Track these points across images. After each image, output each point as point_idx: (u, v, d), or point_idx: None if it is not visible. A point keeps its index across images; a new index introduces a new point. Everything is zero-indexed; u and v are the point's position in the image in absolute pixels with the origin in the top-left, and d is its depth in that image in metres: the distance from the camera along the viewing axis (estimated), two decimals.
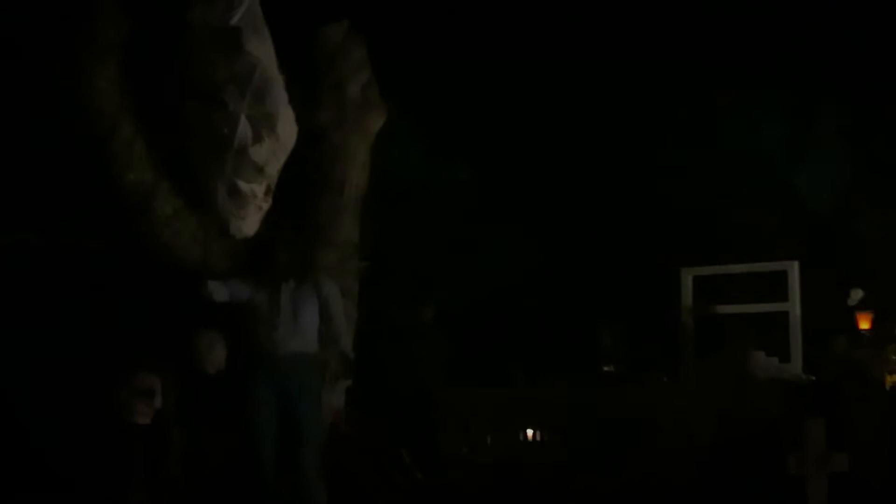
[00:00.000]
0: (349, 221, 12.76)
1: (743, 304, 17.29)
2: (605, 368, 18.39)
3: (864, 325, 16.17)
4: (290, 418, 11.29)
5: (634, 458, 15.18)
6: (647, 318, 18.49)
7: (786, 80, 20.14)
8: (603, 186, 19.72)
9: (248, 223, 10.97)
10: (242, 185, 10.68)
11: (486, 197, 18.42)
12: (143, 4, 11.50)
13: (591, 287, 18.89)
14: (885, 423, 13.96)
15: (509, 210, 18.70)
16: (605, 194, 19.74)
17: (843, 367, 14.96)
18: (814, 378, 16.36)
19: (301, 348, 11.45)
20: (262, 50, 10.36)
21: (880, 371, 14.85)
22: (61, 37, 11.42)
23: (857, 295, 16.50)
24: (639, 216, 19.59)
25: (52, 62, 11.54)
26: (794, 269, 16.95)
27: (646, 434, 15.46)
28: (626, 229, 19.55)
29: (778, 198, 19.94)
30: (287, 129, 10.67)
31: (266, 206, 11.20)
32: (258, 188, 10.85)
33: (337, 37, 12.79)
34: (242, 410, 11.40)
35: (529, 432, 16.23)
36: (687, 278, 17.44)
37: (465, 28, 18.28)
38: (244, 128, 10.43)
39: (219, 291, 11.60)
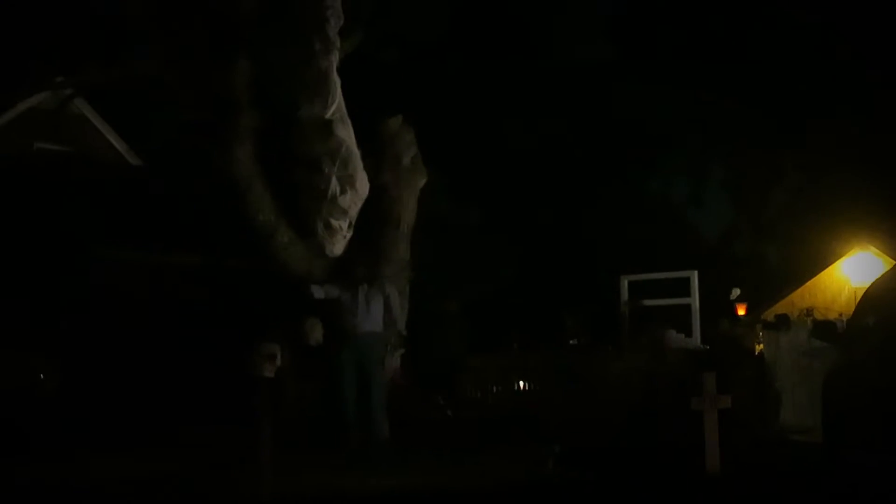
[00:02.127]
0: (403, 246, 12.86)
1: (661, 298, 17.20)
2: (571, 342, 18.33)
3: (741, 311, 16.19)
4: (364, 375, 11.43)
5: (590, 401, 15.23)
6: (599, 309, 18.50)
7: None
8: (568, 219, 19.79)
9: (337, 247, 11.09)
10: (333, 222, 10.79)
11: (488, 228, 18.48)
12: (268, 103, 11.64)
13: (561, 288, 18.93)
14: (754, 375, 14.01)
15: (504, 237, 18.77)
16: (569, 225, 19.80)
17: (727, 340, 14.99)
18: (708, 347, 16.34)
19: (371, 329, 11.58)
20: (346, 133, 10.46)
21: (751, 342, 14.83)
22: (216, 123, 11.54)
23: (735, 292, 16.47)
24: (592, 240, 19.65)
25: (210, 140, 11.66)
26: (694, 276, 16.84)
27: (597, 385, 15.50)
28: (584, 249, 19.62)
29: (685, 227, 20.01)
30: (362, 185, 10.80)
31: (349, 235, 11.30)
32: (343, 224, 10.96)
33: (395, 126, 12.90)
34: (333, 370, 11.57)
35: (521, 384, 16.27)
36: (624, 282, 17.34)
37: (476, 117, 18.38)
38: (334, 185, 10.54)
39: (318, 292, 11.74)
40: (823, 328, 11.89)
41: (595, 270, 18.52)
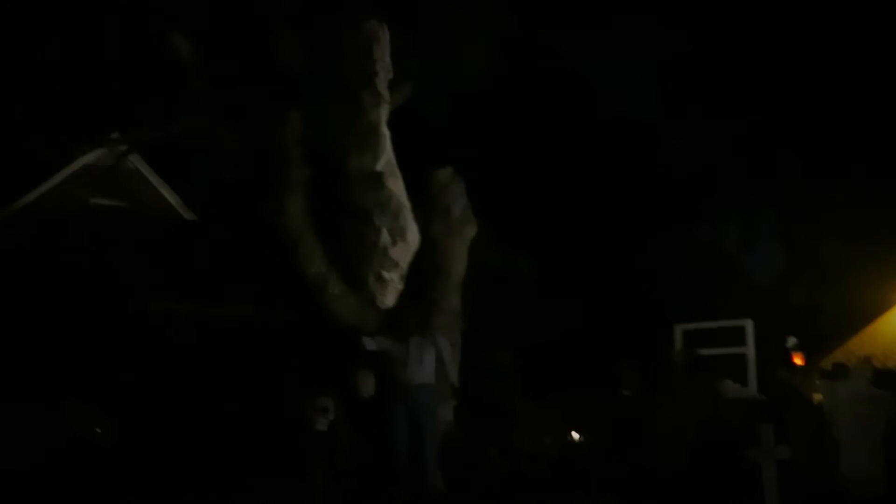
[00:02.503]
0: (454, 297, 12.85)
1: (716, 347, 17.00)
2: (625, 392, 18.15)
3: (798, 360, 15.89)
4: (416, 428, 11.33)
5: (643, 451, 15.06)
6: (652, 359, 18.31)
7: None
8: (621, 268, 19.67)
9: (388, 298, 11.10)
10: (384, 273, 10.81)
11: (541, 278, 18.39)
12: (319, 158, 11.74)
13: (614, 337, 18.76)
14: (813, 425, 13.75)
15: (557, 286, 18.67)
16: (622, 274, 19.67)
17: (786, 390, 14.73)
18: (764, 397, 16.10)
19: (423, 380, 11.51)
20: (396, 185, 10.51)
21: (809, 392, 14.55)
22: (268, 177, 11.65)
23: (792, 340, 16.19)
24: (647, 290, 19.50)
25: (263, 195, 11.77)
26: (749, 325, 16.72)
27: (650, 435, 15.32)
28: (637, 298, 19.46)
29: (739, 275, 19.83)
30: (413, 237, 10.81)
31: (400, 287, 11.31)
32: (394, 276, 10.97)
33: (445, 177, 12.96)
34: (385, 422, 11.51)
35: (574, 434, 16.11)
36: (678, 331, 17.22)
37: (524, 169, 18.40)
38: (385, 237, 10.55)
39: (370, 343, 11.73)
40: (884, 377, 11.72)
41: (648, 319, 18.34)
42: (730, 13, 19.79)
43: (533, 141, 18.66)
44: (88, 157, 19.08)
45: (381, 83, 10.67)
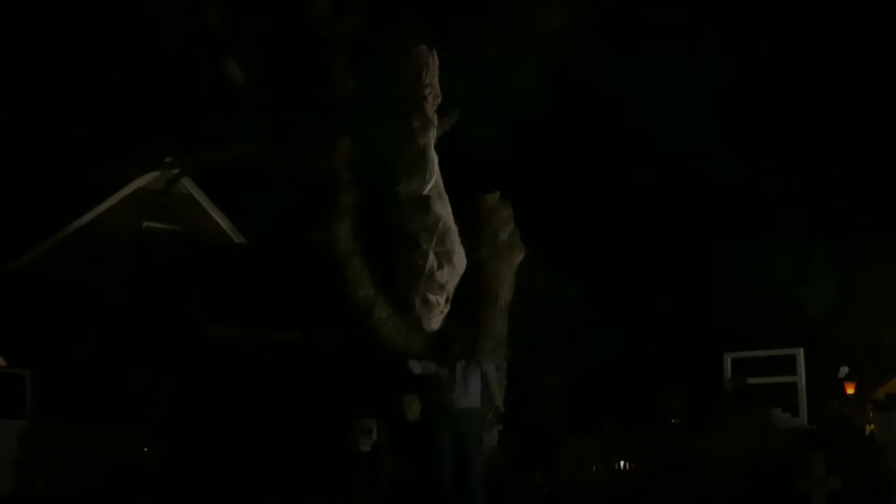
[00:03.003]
0: (501, 321, 12.82)
1: (766, 376, 16.80)
2: (672, 420, 17.98)
3: (850, 390, 15.68)
4: (461, 451, 11.28)
5: (694, 482, 14.93)
6: (700, 387, 18.16)
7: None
8: (671, 295, 19.56)
9: (434, 322, 11.09)
10: (430, 297, 10.81)
11: (590, 305, 18.31)
12: (367, 182, 11.81)
13: (663, 365, 18.65)
14: (865, 456, 13.56)
15: (605, 313, 18.58)
16: (672, 301, 19.55)
17: (837, 420, 14.55)
18: (815, 427, 15.89)
19: (469, 405, 11.46)
20: (443, 209, 10.52)
21: (862, 422, 14.36)
22: (317, 202, 11.75)
23: (844, 370, 15.98)
24: (696, 318, 19.35)
25: (312, 219, 11.86)
26: (800, 354, 16.48)
27: (701, 464, 15.19)
28: (688, 327, 19.32)
29: (790, 304, 19.63)
30: (460, 260, 10.81)
31: (446, 310, 11.29)
32: (441, 299, 10.97)
33: (492, 202, 12.97)
34: (430, 445, 11.48)
35: (622, 463, 15.97)
36: (727, 359, 17.03)
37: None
38: (432, 260, 10.57)
39: (416, 367, 11.72)
40: None
41: (698, 349, 18.18)
42: (781, 42, 19.73)
43: (583, 168, 18.63)
44: (141, 181, 19.32)
45: (430, 108, 10.72)
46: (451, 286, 10.80)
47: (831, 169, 19.71)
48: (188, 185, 19.74)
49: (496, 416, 12.37)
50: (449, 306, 11.31)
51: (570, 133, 18.55)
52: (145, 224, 19.41)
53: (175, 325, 17.25)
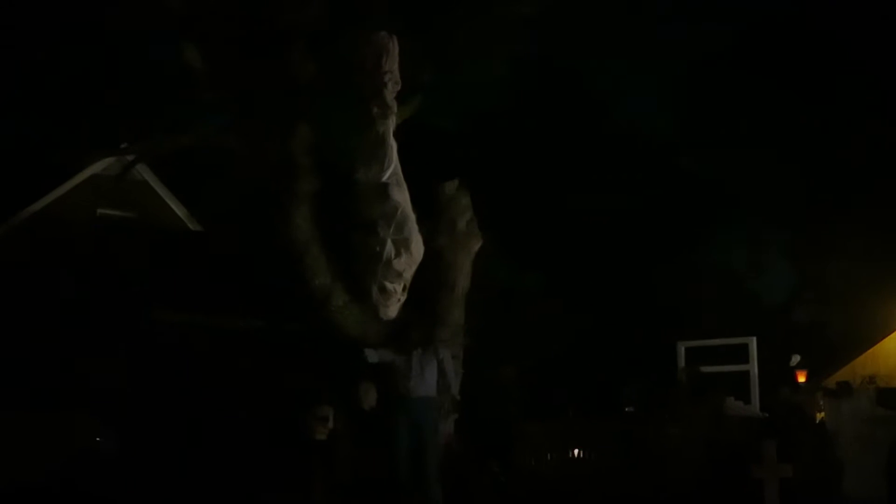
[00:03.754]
0: (458, 310, 12.76)
1: (719, 365, 16.92)
2: (627, 409, 18.03)
3: (801, 378, 15.79)
4: (417, 440, 11.28)
5: (647, 469, 15.00)
6: (655, 376, 18.25)
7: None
8: (626, 285, 19.62)
9: (391, 310, 11.03)
10: (388, 285, 10.74)
11: (547, 294, 18.32)
12: (326, 168, 11.69)
13: (618, 354, 18.71)
14: (816, 443, 13.66)
15: (562, 303, 18.59)
16: (627, 291, 19.62)
17: (788, 408, 14.65)
18: (766, 415, 16.03)
19: (425, 393, 11.46)
20: (402, 196, 10.44)
21: (813, 410, 14.47)
22: (275, 190, 11.63)
23: (795, 359, 16.09)
24: (651, 309, 19.43)
25: (269, 206, 11.75)
26: (753, 343, 16.68)
27: (655, 451, 15.26)
28: (642, 317, 19.40)
29: (743, 293, 19.79)
30: (417, 248, 10.76)
31: (403, 298, 11.23)
32: (398, 287, 10.90)
33: (451, 190, 12.88)
34: (386, 434, 11.44)
35: (576, 452, 16.01)
36: (681, 348, 17.15)
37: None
38: (389, 248, 10.50)
39: (372, 355, 11.66)
40: (889, 396, 11.69)
41: (652, 337, 18.25)
42: (741, 39, 19.86)
43: (543, 157, 18.62)
44: (96, 168, 19.01)
45: (390, 94, 10.62)
46: (409, 274, 10.73)
47: (785, 160, 19.85)
48: (144, 171, 19.45)
49: (452, 404, 12.30)
50: (406, 294, 11.24)
51: (532, 122, 18.53)
52: (99, 211, 19.06)
53: (130, 312, 17.02)
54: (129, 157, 18.36)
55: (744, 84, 20.07)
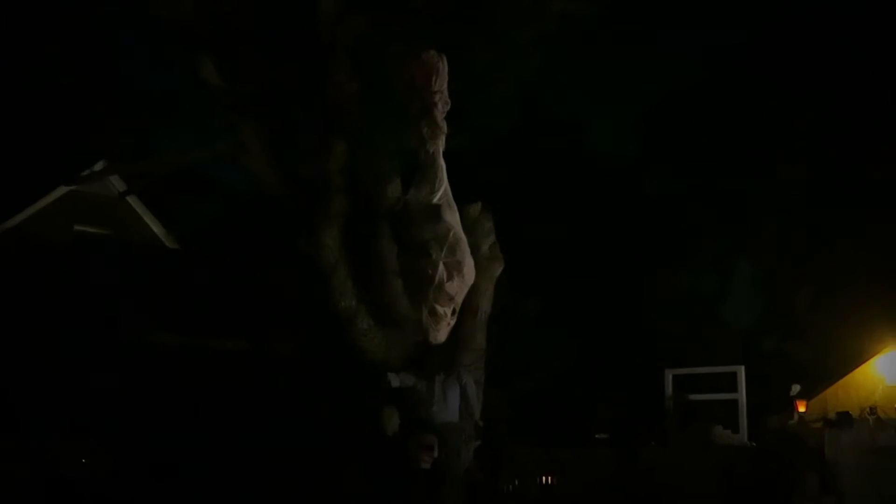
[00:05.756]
0: (480, 335, 12.46)
1: (707, 393, 16.84)
2: (597, 436, 17.90)
3: (801, 408, 15.72)
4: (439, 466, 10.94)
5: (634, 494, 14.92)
6: (635, 402, 18.17)
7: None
8: (616, 312, 19.51)
9: (441, 334, 10.56)
10: (438, 308, 10.31)
11: (540, 321, 18.11)
12: (363, 190, 11.36)
13: (605, 381, 18.58)
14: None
15: (554, 329, 18.42)
16: (616, 318, 19.51)
17: (789, 438, 14.60)
18: (755, 444, 15.96)
19: (447, 419, 11.22)
20: (453, 218, 9.99)
21: (814, 441, 14.37)
22: (307, 209, 11.26)
23: (796, 388, 16.04)
24: (638, 337, 19.34)
25: (300, 226, 11.37)
26: (741, 371, 16.58)
27: (643, 478, 15.18)
28: (630, 345, 19.29)
29: (731, 324, 19.83)
30: (469, 271, 10.36)
31: (453, 322, 10.87)
32: (448, 310, 10.53)
33: (474, 213, 12.60)
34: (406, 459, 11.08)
35: (545, 478, 15.94)
36: (668, 376, 17.02)
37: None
38: (441, 271, 10.11)
39: (395, 380, 11.34)
40: None
41: (640, 365, 18.14)
42: (705, 65, 19.98)
43: (529, 185, 18.47)
44: (73, 185, 18.40)
45: (440, 114, 10.22)
46: (460, 298, 10.33)
47: (758, 189, 19.93)
48: (120, 187, 18.83)
49: (475, 430, 11.96)
50: (455, 318, 10.89)
51: (521, 150, 18.37)
52: (76, 227, 18.40)
53: (108, 331, 16.45)
54: (107, 176, 17.88)
55: (712, 112, 20.17)
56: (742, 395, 16.48)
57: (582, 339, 18.50)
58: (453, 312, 11.06)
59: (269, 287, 15.01)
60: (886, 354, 18.62)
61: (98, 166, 18.18)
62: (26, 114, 18.31)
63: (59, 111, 18.33)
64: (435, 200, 10.35)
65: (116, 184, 18.77)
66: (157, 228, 19.37)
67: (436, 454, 7.37)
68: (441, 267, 10.55)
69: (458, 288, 10.71)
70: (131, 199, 19.13)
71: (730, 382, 16.63)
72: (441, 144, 10.24)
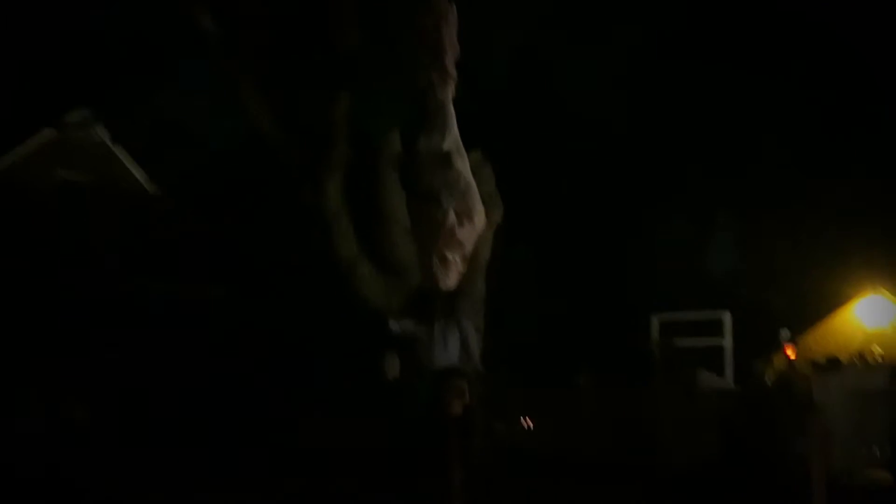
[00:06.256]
0: (480, 282, 12.30)
1: (693, 338, 16.94)
2: (579, 381, 17.96)
3: (791, 353, 15.86)
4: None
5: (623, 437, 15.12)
6: (617, 347, 18.25)
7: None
8: (606, 265, 19.54)
9: (451, 280, 10.50)
10: (448, 255, 10.27)
11: (528, 267, 18.05)
12: (360, 139, 11.18)
13: (592, 327, 18.63)
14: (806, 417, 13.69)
15: (543, 279, 18.42)
16: (603, 263, 19.54)
17: (779, 382, 14.75)
18: (740, 388, 16.14)
19: (447, 365, 11.19)
20: (463, 165, 9.88)
21: (806, 385, 14.52)
22: (311, 156, 11.11)
23: (785, 333, 16.18)
24: (628, 283, 19.37)
25: (303, 173, 11.22)
26: (727, 317, 16.72)
27: (630, 421, 15.35)
28: (620, 291, 19.33)
29: (718, 270, 19.90)
30: (479, 218, 10.26)
31: (462, 269, 10.80)
32: (458, 257, 10.47)
33: (475, 160, 12.40)
34: (407, 405, 11.12)
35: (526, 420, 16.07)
36: (654, 321, 17.11)
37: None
38: (452, 218, 10.03)
39: (395, 326, 11.28)
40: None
41: (629, 311, 18.18)
42: (691, 13, 19.86)
43: (516, 135, 18.34)
44: (55, 131, 18.08)
45: (450, 61, 10.12)
46: (470, 244, 10.26)
47: (742, 137, 19.94)
48: (102, 133, 18.55)
49: (475, 376, 11.95)
50: (465, 265, 10.82)
51: (511, 104, 18.24)
52: (58, 173, 18.07)
53: (93, 277, 16.29)
54: (92, 119, 17.61)
55: (699, 61, 20.08)
56: (728, 340, 16.62)
57: (571, 286, 18.47)
58: (463, 259, 11.08)
59: (262, 236, 14.86)
60: (865, 299, 18.91)
61: (80, 115, 17.93)
62: (9, 59, 17.98)
63: (45, 57, 18.01)
64: (445, 148, 10.22)
65: (101, 132, 18.55)
66: (138, 174, 19.07)
67: (466, 400, 7.28)
68: (451, 214, 10.50)
69: (469, 234, 10.63)
70: (116, 148, 18.81)
71: (716, 328, 16.77)
72: (450, 91, 10.15)
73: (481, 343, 12.22)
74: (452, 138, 10.16)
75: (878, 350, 16.59)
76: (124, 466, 12.89)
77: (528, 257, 17.87)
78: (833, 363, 14.40)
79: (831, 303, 19.06)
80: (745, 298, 18.39)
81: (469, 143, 13.98)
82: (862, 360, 14.62)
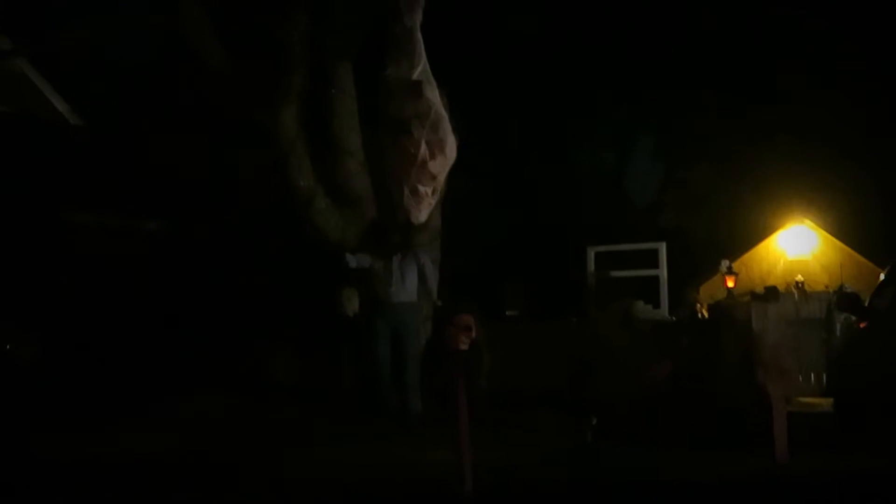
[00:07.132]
0: (436, 214, 12.14)
1: (628, 270, 16.99)
2: (508, 313, 17.96)
3: (730, 283, 16.03)
4: (398, 344, 10.83)
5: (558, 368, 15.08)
6: (545, 279, 18.24)
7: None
8: (542, 199, 19.41)
9: (423, 214, 10.28)
10: (420, 188, 10.01)
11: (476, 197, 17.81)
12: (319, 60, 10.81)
13: (529, 259, 18.55)
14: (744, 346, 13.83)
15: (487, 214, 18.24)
16: (543, 205, 19.42)
17: (720, 313, 14.82)
18: (674, 318, 16.23)
19: (406, 299, 11.04)
20: (433, 95, 9.64)
21: (744, 314, 14.64)
22: (264, 84, 10.69)
23: (724, 264, 16.33)
24: (563, 215, 19.30)
25: (255, 101, 10.79)
26: (662, 248, 16.76)
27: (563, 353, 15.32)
28: (556, 224, 19.25)
29: (652, 202, 19.97)
30: (451, 150, 10.02)
31: (434, 202, 10.52)
32: (429, 189, 10.20)
33: None
34: (367, 339, 10.88)
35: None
36: (591, 253, 17.09)
37: None
38: (424, 149, 9.75)
39: (352, 260, 11.04)
40: (848, 300, 11.90)
41: (564, 243, 18.13)
42: None
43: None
44: None
45: None
46: (442, 177, 10.02)
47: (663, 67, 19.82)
48: (23, 64, 17.61)
49: (433, 309, 11.80)
50: (437, 197, 10.53)
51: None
52: None
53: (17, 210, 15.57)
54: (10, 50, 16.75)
55: None
56: (664, 270, 16.69)
57: (508, 218, 18.34)
58: (433, 192, 10.82)
59: (194, 167, 14.33)
60: (788, 229, 19.19)
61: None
62: None
63: None
64: (415, 76, 9.92)
65: (22, 63, 17.67)
66: (60, 105, 18.19)
67: (474, 335, 7.11)
68: (423, 145, 10.24)
69: (441, 167, 10.36)
70: (32, 76, 17.89)
71: (652, 259, 16.82)
72: (418, 18, 9.80)
73: (438, 276, 12.15)
74: (422, 67, 9.88)
75: (799, 278, 16.91)
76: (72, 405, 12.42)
77: (470, 190, 17.68)
78: (771, 292, 14.53)
79: (755, 233, 19.29)
80: (676, 230, 18.46)
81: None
82: (799, 290, 14.83)
